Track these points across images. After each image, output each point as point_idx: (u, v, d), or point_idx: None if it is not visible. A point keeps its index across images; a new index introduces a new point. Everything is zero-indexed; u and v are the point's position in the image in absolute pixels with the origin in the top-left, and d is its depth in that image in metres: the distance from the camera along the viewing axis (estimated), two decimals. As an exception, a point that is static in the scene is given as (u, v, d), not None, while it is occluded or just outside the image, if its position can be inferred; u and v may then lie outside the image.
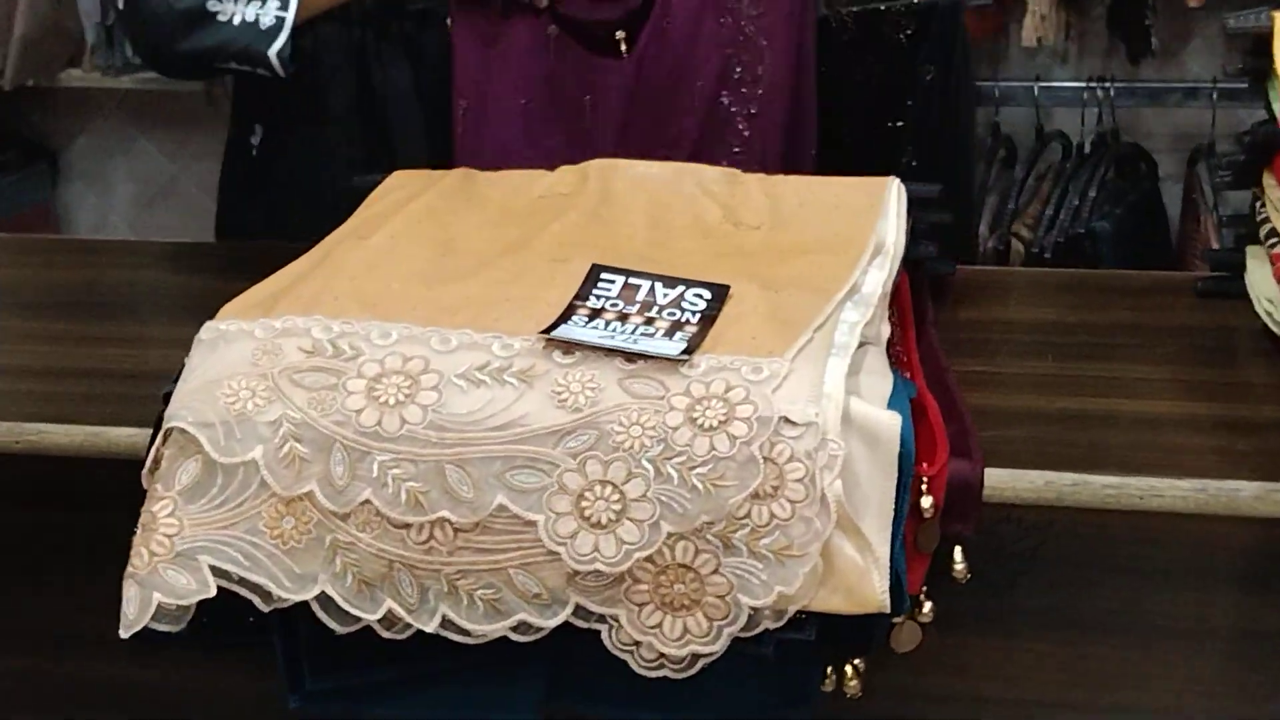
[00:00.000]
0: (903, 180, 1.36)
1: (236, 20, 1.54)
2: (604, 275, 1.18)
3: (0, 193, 3.00)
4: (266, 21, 1.53)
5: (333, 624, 1.08)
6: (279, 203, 1.78)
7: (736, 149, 1.70)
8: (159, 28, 1.56)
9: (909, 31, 1.88)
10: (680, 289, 1.17)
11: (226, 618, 1.11)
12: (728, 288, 1.17)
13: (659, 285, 1.17)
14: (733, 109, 1.69)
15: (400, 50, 1.74)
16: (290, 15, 1.53)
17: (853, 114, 1.86)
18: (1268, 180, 1.36)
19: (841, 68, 1.83)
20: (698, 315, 1.13)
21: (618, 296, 1.16)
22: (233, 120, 1.87)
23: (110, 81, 2.90)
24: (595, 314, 1.13)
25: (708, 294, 1.16)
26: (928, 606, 1.13)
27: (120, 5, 1.60)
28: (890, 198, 1.33)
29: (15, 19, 2.55)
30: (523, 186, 1.41)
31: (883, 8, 1.83)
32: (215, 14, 1.54)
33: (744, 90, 1.68)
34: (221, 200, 1.91)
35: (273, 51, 1.54)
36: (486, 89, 1.66)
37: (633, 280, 1.18)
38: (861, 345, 1.12)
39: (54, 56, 2.63)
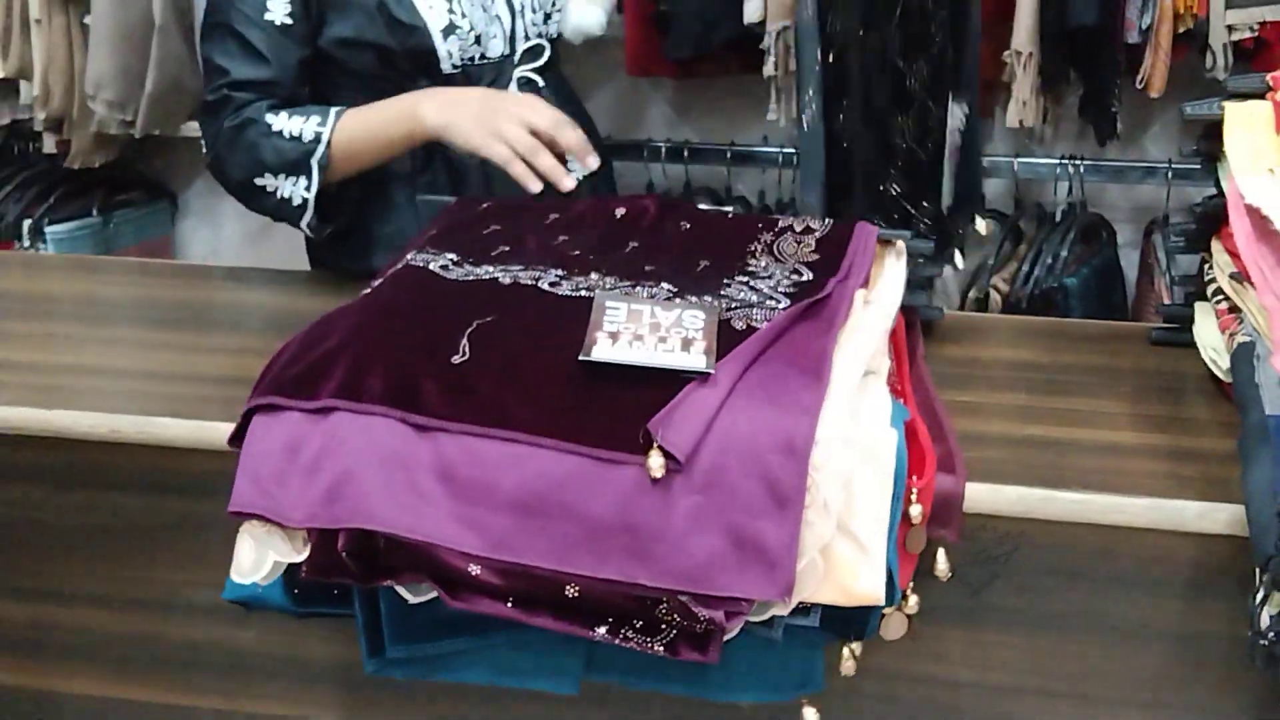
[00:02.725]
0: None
1: (278, 195, 1.62)
2: (609, 304, 1.16)
3: (128, 225, 3.02)
4: (296, 200, 1.62)
5: (407, 594, 1.09)
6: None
7: None
8: (229, 188, 1.67)
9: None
10: (675, 311, 1.14)
11: (316, 589, 1.13)
12: (717, 305, 1.16)
13: (656, 309, 1.15)
14: None
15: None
16: (311, 196, 1.61)
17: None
18: (1215, 246, 1.36)
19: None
20: (699, 331, 1.12)
21: (626, 321, 1.13)
22: None
23: (224, 134, 2.91)
24: (614, 336, 1.11)
25: (701, 313, 1.14)
26: (913, 600, 1.13)
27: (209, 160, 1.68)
28: (891, 252, 1.34)
29: (146, 77, 2.58)
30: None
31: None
32: (263, 187, 1.62)
33: None
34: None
35: (303, 223, 1.64)
36: None
37: (634, 306, 1.16)
38: (864, 375, 1.13)
39: (177, 110, 2.65)
